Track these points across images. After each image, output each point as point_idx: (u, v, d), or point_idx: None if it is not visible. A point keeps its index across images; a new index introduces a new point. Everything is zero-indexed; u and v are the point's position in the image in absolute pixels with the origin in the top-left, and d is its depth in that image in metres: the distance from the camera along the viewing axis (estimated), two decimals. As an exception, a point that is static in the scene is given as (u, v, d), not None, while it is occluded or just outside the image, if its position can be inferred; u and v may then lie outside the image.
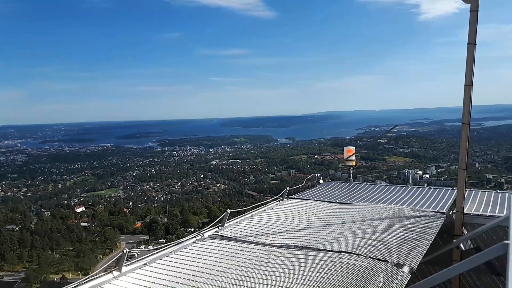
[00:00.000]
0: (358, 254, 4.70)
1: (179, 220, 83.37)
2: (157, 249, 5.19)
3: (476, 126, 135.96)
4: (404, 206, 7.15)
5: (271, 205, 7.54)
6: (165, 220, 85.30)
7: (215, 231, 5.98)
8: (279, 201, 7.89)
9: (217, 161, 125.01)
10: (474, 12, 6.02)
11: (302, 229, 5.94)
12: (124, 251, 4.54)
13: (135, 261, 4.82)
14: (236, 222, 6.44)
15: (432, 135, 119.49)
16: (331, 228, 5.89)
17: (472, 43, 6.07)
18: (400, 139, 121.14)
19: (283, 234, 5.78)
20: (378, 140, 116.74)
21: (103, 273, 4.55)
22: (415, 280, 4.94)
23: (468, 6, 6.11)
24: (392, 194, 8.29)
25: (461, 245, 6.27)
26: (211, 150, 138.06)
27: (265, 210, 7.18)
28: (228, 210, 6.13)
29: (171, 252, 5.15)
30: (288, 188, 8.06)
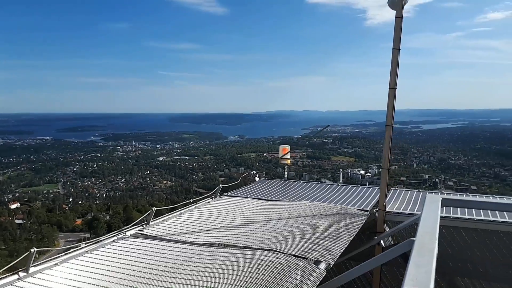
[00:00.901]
0: (279, 252, 4.74)
1: (122, 218, 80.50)
2: (70, 248, 4.92)
3: (415, 129, 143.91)
4: (332, 203, 7.34)
5: (203, 202, 7.44)
6: (107, 217, 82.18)
7: (139, 230, 5.78)
8: (211, 198, 7.80)
9: (164, 157, 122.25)
10: (399, 18, 6.26)
11: (230, 227, 5.91)
12: (32, 250, 4.25)
13: (45, 261, 4.53)
14: (163, 220, 6.27)
15: (374, 136, 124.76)
16: (258, 225, 5.90)
17: (396, 48, 6.32)
18: (345, 139, 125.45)
19: (210, 232, 5.71)
20: (324, 140, 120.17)
21: (7, 274, 4.23)
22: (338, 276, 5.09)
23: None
24: (323, 192, 8.49)
25: (382, 241, 6.54)
26: (158, 146, 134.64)
27: (195, 208, 7.06)
28: (154, 208, 5.96)
29: (86, 252, 4.90)
30: (221, 185, 7.99)
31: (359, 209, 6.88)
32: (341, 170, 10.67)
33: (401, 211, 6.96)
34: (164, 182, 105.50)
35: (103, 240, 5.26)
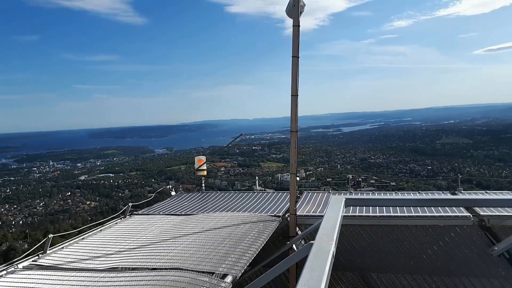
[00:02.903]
0: (185, 269, 4.57)
1: (43, 245, 74.31)
2: None
3: (336, 131, 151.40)
4: (246, 212, 7.32)
5: (110, 224, 7.01)
6: (26, 246, 75.46)
7: (33, 260, 5.26)
8: (120, 218, 7.40)
9: (86, 176, 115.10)
10: (296, 26, 6.44)
11: (136, 248, 5.60)
12: None
13: None
14: (62, 248, 5.78)
15: (300, 141, 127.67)
16: (166, 243, 5.67)
17: (295, 56, 6.49)
18: (273, 145, 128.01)
19: (113, 256, 5.36)
20: (254, 147, 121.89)
21: None
22: None
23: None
24: (239, 201, 8.46)
25: (294, 245, 6.63)
26: (79, 164, 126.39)
27: (100, 230, 6.62)
28: (50, 235, 5.47)
29: (-35, 293, 4.34)
30: (130, 204, 7.61)
31: (272, 215, 6.93)
32: (257, 178, 10.76)
33: (311, 213, 7.14)
34: (88, 202, 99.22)
35: None
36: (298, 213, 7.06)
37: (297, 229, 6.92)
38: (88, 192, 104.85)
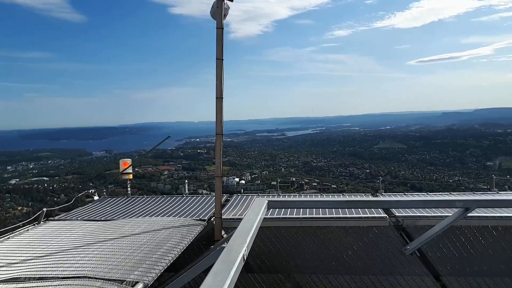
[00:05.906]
0: (93, 278, 4.33)
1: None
2: None
3: (280, 136, 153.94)
4: (171, 217, 7.15)
5: (21, 230, 6.53)
6: None
7: None
8: (34, 224, 6.92)
9: (17, 180, 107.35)
10: (220, 29, 6.42)
11: (44, 256, 5.24)
12: None
13: None
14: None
15: (246, 144, 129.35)
16: (78, 251, 5.36)
17: (219, 58, 6.46)
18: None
19: (18, 265, 4.97)
20: (199, 151, 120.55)
21: None
22: None
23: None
24: (167, 206, 8.26)
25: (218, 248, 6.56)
26: (9, 167, 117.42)
27: (8, 238, 6.14)
28: None
29: None
30: (45, 209, 7.14)
31: (197, 220, 6.83)
32: (186, 181, 10.58)
33: (237, 216, 7.12)
34: (19, 208, 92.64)
35: None
36: (224, 217, 7.03)
37: (223, 232, 6.87)
38: (19, 197, 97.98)
